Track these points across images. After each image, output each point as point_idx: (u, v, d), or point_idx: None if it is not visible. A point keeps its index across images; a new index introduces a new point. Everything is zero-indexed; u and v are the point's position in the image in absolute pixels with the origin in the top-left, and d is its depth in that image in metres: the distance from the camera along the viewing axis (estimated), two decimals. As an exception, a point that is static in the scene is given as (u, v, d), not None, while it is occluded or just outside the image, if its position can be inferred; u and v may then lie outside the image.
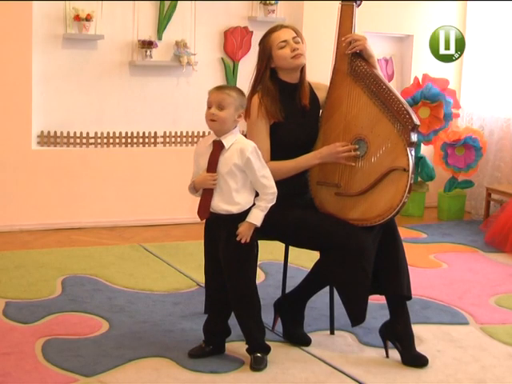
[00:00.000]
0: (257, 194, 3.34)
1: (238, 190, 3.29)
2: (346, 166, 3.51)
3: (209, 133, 3.45)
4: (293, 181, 3.56)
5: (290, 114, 3.58)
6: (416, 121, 3.41)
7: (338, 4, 3.66)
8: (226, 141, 3.29)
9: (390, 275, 3.46)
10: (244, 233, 3.27)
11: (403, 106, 3.42)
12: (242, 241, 3.27)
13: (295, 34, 3.60)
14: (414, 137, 3.41)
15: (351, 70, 3.56)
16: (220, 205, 3.29)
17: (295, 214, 3.50)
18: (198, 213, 3.37)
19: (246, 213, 3.29)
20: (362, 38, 3.57)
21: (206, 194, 3.32)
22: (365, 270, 3.39)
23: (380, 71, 3.62)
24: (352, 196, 3.49)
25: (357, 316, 3.48)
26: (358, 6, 3.64)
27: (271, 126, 3.57)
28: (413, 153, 3.42)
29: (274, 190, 3.32)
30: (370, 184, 3.45)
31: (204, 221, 3.41)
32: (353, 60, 3.57)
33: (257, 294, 3.38)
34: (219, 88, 3.33)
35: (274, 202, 3.33)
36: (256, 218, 3.28)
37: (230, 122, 3.29)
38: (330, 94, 3.64)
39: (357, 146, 3.49)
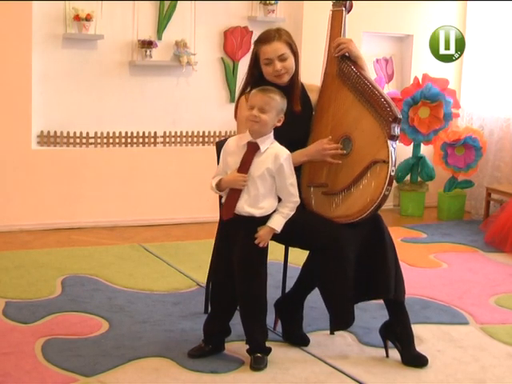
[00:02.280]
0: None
1: (264, 194, 3.28)
2: (332, 165, 3.51)
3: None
4: None
5: None
6: (397, 114, 3.41)
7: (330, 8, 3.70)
8: (263, 144, 3.28)
9: (378, 278, 3.41)
10: (264, 237, 3.26)
11: (385, 99, 3.43)
12: (261, 245, 3.26)
13: (285, 50, 3.54)
14: (395, 130, 3.41)
15: (339, 71, 3.60)
16: (245, 207, 3.28)
17: None
18: (222, 212, 3.35)
19: (266, 217, 3.29)
20: (347, 41, 3.59)
21: (233, 194, 3.30)
22: (344, 272, 3.36)
23: (368, 72, 3.64)
24: (337, 193, 3.49)
25: (337, 320, 3.45)
26: (348, 11, 3.67)
27: None
28: (394, 145, 3.41)
29: (298, 199, 3.33)
30: (353, 179, 3.45)
31: (218, 220, 3.39)
32: (341, 62, 3.60)
33: (265, 298, 3.37)
34: (263, 90, 3.31)
35: (295, 211, 3.33)
36: (277, 223, 3.28)
37: (270, 126, 3.29)
38: (320, 97, 3.67)
39: (341, 146, 3.50)
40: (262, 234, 3.26)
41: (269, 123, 3.27)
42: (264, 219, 3.28)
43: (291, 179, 3.30)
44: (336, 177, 3.51)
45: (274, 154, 3.27)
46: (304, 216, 3.51)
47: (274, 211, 3.31)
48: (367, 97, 3.47)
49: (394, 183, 6.57)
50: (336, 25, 3.65)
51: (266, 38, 3.57)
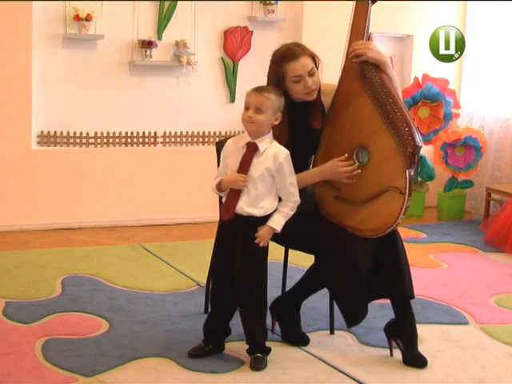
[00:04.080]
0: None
1: (264, 194, 3.27)
2: None
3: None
4: None
5: (296, 134, 3.48)
6: (418, 143, 3.33)
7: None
8: (262, 144, 3.27)
9: (393, 278, 3.45)
10: (264, 236, 3.26)
11: (408, 125, 3.33)
12: (261, 244, 3.26)
13: (312, 64, 3.44)
14: (414, 158, 3.34)
15: (361, 73, 3.47)
16: (244, 207, 3.27)
17: (295, 221, 3.49)
18: (222, 212, 3.34)
19: (266, 217, 3.28)
20: (364, 47, 3.45)
21: (233, 195, 3.29)
22: (358, 276, 3.38)
23: (393, 76, 3.49)
24: (350, 203, 3.47)
25: (351, 318, 3.48)
26: (374, 3, 3.53)
27: None
28: (412, 173, 3.35)
29: (298, 198, 3.32)
30: (368, 197, 3.41)
31: (218, 220, 3.40)
32: (363, 63, 3.47)
33: (265, 298, 3.38)
34: (258, 90, 3.27)
35: (295, 210, 3.32)
36: (277, 223, 3.27)
37: (267, 126, 3.27)
38: (337, 92, 3.54)
39: (357, 168, 3.42)
40: (262, 233, 3.26)
41: (265, 123, 3.25)
42: (264, 219, 3.28)
43: (291, 179, 3.29)
44: (351, 186, 3.45)
45: (273, 153, 3.26)
46: (314, 221, 3.51)
47: (275, 210, 3.30)
48: (388, 115, 3.36)
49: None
50: (359, 18, 3.50)
51: (291, 55, 3.41)
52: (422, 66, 6.55)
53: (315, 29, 6.04)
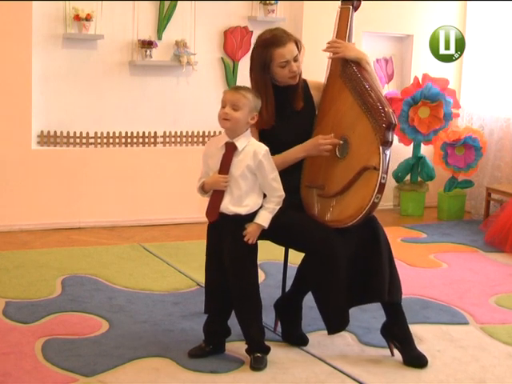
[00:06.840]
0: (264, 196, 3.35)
1: (247, 192, 3.30)
2: (329, 167, 3.49)
3: (220, 133, 3.45)
4: (286, 179, 3.54)
5: (281, 116, 3.56)
6: (391, 119, 3.36)
7: (337, 4, 3.66)
8: (240, 143, 3.30)
9: (372, 282, 3.39)
10: (252, 233, 3.28)
11: (381, 104, 3.38)
12: (250, 242, 3.27)
13: (297, 50, 3.54)
14: (388, 136, 3.36)
15: (342, 71, 3.57)
16: (229, 207, 3.29)
17: (278, 214, 3.48)
18: (207, 214, 3.36)
19: (252, 214, 3.30)
20: (342, 46, 3.55)
21: (217, 196, 3.32)
22: (335, 276, 3.36)
23: (371, 72, 3.59)
24: (331, 197, 3.48)
25: (331, 323, 3.46)
26: (356, 9, 3.64)
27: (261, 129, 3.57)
28: (387, 152, 3.36)
29: (282, 192, 3.34)
30: (345, 184, 3.42)
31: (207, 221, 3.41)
32: (344, 62, 3.57)
33: (259, 295, 3.38)
34: (235, 88, 3.34)
35: (281, 204, 3.34)
36: (264, 219, 3.29)
37: (242, 124, 3.29)
38: (323, 96, 3.65)
39: (341, 142, 3.47)
40: (251, 230, 3.28)
41: (240, 121, 3.27)
42: (250, 216, 3.29)
43: (273, 174, 3.31)
44: (332, 180, 3.49)
45: (252, 151, 3.29)
46: (296, 218, 3.51)
47: (261, 207, 3.32)
48: (364, 100, 3.44)
49: (394, 183, 6.58)
50: (342, 22, 3.62)
51: (279, 41, 3.50)
52: (422, 65, 6.56)
53: (315, 29, 6.04)
